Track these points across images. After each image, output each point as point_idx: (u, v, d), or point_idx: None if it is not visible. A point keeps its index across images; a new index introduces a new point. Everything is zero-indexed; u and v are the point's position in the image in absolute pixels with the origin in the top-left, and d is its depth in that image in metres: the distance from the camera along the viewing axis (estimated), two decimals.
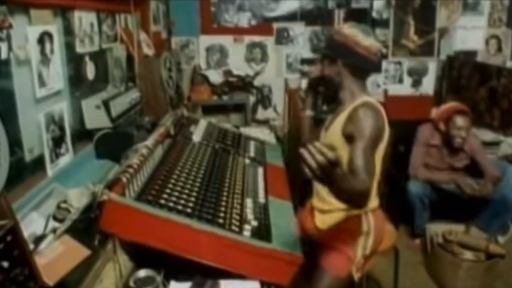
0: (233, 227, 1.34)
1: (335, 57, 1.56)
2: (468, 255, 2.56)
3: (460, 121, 2.77)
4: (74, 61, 1.74)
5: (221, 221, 1.35)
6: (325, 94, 1.73)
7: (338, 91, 1.60)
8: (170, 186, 1.44)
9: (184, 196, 1.40)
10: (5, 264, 0.87)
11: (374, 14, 3.87)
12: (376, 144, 1.48)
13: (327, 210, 1.64)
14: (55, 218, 1.30)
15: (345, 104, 1.57)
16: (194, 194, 1.45)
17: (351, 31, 1.53)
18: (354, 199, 1.43)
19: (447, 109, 2.89)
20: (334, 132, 1.55)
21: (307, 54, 3.91)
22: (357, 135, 1.45)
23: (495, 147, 3.27)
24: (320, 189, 1.65)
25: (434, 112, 2.99)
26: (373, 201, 1.65)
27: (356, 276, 1.64)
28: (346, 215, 1.60)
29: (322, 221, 1.68)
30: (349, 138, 1.48)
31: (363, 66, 1.57)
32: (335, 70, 1.57)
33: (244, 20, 3.83)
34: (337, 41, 1.54)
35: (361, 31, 1.53)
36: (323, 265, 1.62)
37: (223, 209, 1.42)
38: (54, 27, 1.50)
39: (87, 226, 1.26)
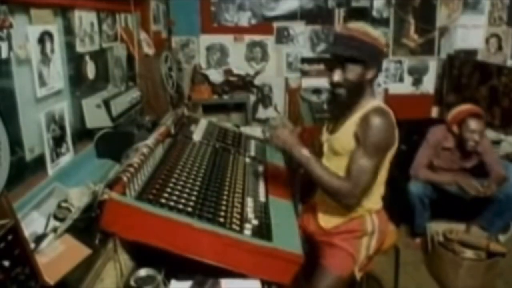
0: (234, 226, 1.34)
1: (370, 62, 1.47)
2: (469, 253, 2.56)
3: (473, 124, 2.73)
4: (75, 60, 1.74)
5: (221, 220, 1.35)
6: (340, 98, 1.64)
7: (355, 95, 1.53)
8: (171, 185, 1.44)
9: (185, 195, 1.40)
10: (6, 263, 0.87)
11: (374, 13, 3.87)
12: (381, 152, 1.47)
13: (330, 210, 1.64)
14: (56, 217, 1.31)
15: (355, 107, 1.53)
16: (195, 193, 1.45)
17: (376, 33, 1.49)
18: (333, 195, 1.50)
19: (461, 111, 2.83)
20: (344, 137, 1.53)
21: (308, 53, 3.91)
22: (362, 141, 1.45)
23: (496, 146, 3.26)
24: None
25: (449, 114, 2.94)
26: (378, 203, 1.65)
27: (358, 275, 1.64)
28: (351, 215, 1.60)
29: (326, 221, 1.68)
30: (356, 140, 1.47)
31: (381, 68, 1.57)
32: (363, 74, 1.49)
33: (244, 19, 3.83)
34: (370, 45, 1.46)
35: (378, 30, 1.51)
36: (326, 265, 1.62)
37: (223, 208, 1.42)
38: (55, 27, 1.50)
39: (88, 225, 1.26)
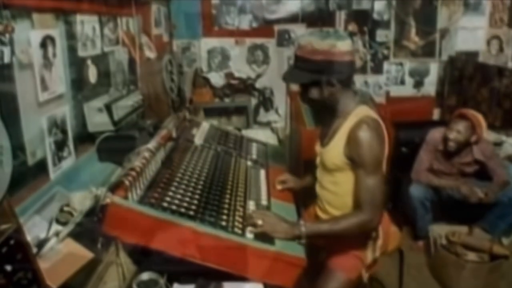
0: (236, 230, 1.34)
1: (322, 77, 1.42)
2: (472, 256, 2.54)
3: (457, 124, 2.73)
4: (76, 64, 1.75)
5: (223, 223, 1.34)
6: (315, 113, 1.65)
7: (329, 106, 1.51)
8: (173, 188, 1.44)
9: (187, 199, 1.40)
10: (9, 267, 0.87)
11: (375, 16, 3.88)
12: (380, 164, 1.46)
13: (330, 216, 1.63)
14: (58, 222, 1.31)
15: (340, 118, 1.51)
16: (197, 196, 1.45)
17: (326, 44, 1.39)
18: (359, 231, 1.49)
19: (456, 112, 2.87)
20: (335, 152, 1.51)
21: None
22: (359, 162, 1.43)
23: (498, 147, 3.25)
24: (322, 198, 1.65)
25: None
26: None
27: (365, 276, 1.64)
28: None
29: None
30: (352, 161, 1.47)
31: (352, 72, 1.51)
32: (321, 91, 1.46)
33: (245, 22, 3.84)
34: (318, 61, 1.40)
35: (334, 38, 1.41)
36: (333, 267, 1.62)
37: (225, 211, 1.42)
38: (56, 31, 1.51)
39: (90, 229, 1.26)
